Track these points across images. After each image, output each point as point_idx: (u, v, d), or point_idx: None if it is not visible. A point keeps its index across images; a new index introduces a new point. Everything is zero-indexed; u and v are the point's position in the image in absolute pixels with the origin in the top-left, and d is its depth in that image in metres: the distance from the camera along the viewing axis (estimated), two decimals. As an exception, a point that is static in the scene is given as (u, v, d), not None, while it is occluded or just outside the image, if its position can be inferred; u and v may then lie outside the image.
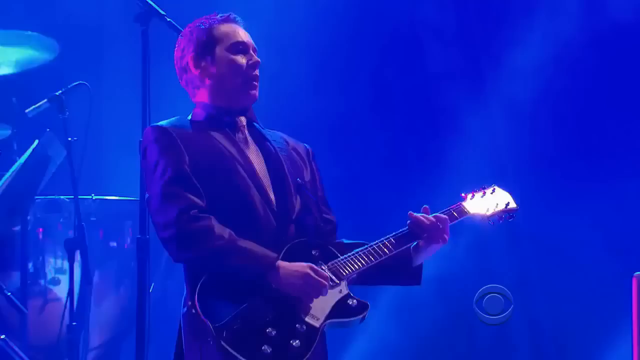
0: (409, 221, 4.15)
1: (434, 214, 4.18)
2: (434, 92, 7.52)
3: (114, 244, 6.29)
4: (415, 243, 4.17)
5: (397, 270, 4.18)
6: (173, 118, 4.16)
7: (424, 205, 4.21)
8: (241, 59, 4.14)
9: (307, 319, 3.90)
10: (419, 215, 4.16)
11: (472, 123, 7.39)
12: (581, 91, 7.29)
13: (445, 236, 4.15)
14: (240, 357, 3.79)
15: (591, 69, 7.30)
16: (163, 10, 4.71)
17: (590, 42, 7.29)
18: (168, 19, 4.68)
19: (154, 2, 4.70)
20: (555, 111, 7.33)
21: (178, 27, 4.60)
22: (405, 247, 4.13)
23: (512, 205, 4.34)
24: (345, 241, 4.22)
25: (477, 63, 7.48)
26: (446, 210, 4.22)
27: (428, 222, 4.14)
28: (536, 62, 7.33)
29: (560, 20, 7.32)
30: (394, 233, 4.14)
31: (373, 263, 4.05)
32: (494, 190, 4.35)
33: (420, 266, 4.22)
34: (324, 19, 7.42)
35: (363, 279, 4.14)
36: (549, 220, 7.27)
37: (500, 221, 4.33)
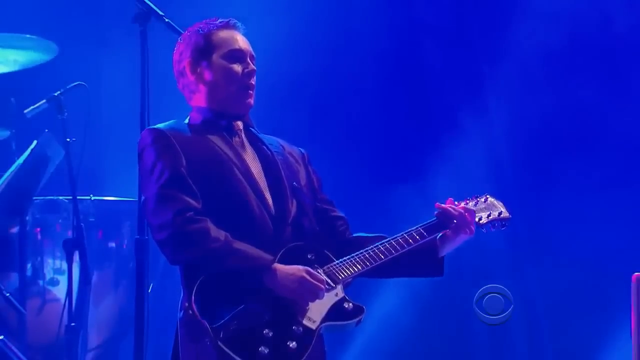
0: (436, 212, 4.21)
1: (461, 206, 4.25)
2: (432, 93, 7.52)
3: (113, 244, 6.28)
4: (440, 234, 4.22)
5: (421, 261, 4.22)
6: (170, 121, 4.17)
7: (449, 197, 4.28)
8: (237, 67, 4.14)
9: (303, 321, 3.92)
10: (446, 205, 4.22)
11: (471, 123, 7.39)
12: (581, 90, 7.28)
13: (472, 227, 4.21)
14: (238, 358, 3.79)
15: (591, 68, 7.29)
16: (161, 11, 4.70)
17: (591, 42, 7.28)
18: (166, 20, 4.68)
19: (152, 3, 4.70)
20: (554, 110, 7.33)
21: (176, 27, 4.60)
22: (432, 237, 4.18)
23: (505, 214, 4.37)
24: (364, 235, 4.26)
25: (475, 63, 7.48)
26: (430, 222, 4.24)
27: (456, 212, 4.19)
28: (535, 62, 7.33)
29: (560, 19, 7.31)
30: (422, 224, 4.19)
31: (369, 268, 4.08)
32: (486, 199, 4.38)
33: (443, 257, 4.26)
34: (321, 19, 7.42)
35: (385, 272, 4.18)
36: (548, 220, 7.27)
37: (493, 229, 4.36)
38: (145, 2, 4.68)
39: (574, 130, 7.30)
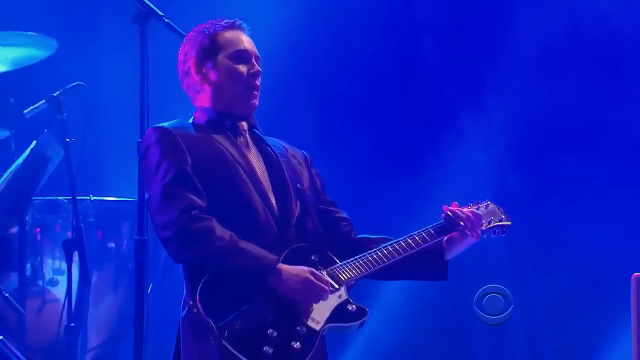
0: (444, 214, 4.22)
1: (468, 209, 4.27)
2: (433, 94, 7.51)
3: (112, 244, 6.28)
4: (445, 238, 4.23)
5: (425, 264, 4.23)
6: (174, 120, 4.16)
7: (453, 202, 4.29)
8: (242, 68, 4.14)
9: (307, 322, 3.92)
10: (454, 208, 4.24)
11: (471, 124, 7.39)
12: (580, 89, 7.28)
13: (479, 231, 4.23)
14: (242, 357, 3.79)
15: (592, 70, 7.29)
16: (161, 11, 4.70)
17: (593, 43, 7.28)
18: (166, 20, 4.67)
19: (152, 3, 4.69)
20: (553, 110, 7.33)
21: (176, 27, 4.59)
22: (437, 240, 4.19)
23: (506, 221, 4.40)
24: (368, 236, 4.27)
25: (475, 63, 7.48)
26: (436, 225, 4.25)
27: (464, 215, 4.21)
28: (535, 63, 7.33)
29: (561, 19, 7.31)
30: (427, 227, 4.20)
31: (373, 270, 4.08)
32: (487, 205, 4.39)
33: (447, 261, 4.27)
34: (321, 20, 7.42)
35: (388, 275, 4.19)
36: (548, 220, 7.27)
37: (494, 236, 4.38)
38: (145, 2, 4.67)
39: (574, 131, 7.30)
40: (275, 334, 3.85)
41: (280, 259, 3.95)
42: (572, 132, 7.30)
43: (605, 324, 6.91)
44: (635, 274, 4.51)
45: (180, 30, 4.46)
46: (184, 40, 4.25)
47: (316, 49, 7.44)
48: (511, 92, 7.33)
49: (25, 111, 5.80)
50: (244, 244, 3.90)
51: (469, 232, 4.20)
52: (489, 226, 4.33)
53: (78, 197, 5.74)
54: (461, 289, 6.61)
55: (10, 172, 5.89)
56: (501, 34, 7.38)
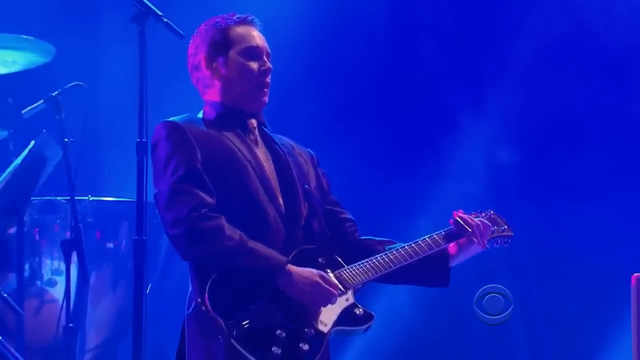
0: (452, 219, 4.22)
1: (477, 218, 4.26)
2: (433, 93, 7.51)
3: (111, 245, 6.27)
4: (451, 244, 4.23)
5: (430, 270, 4.23)
6: (184, 115, 4.13)
7: (459, 209, 4.28)
8: (253, 65, 4.13)
9: (315, 324, 3.91)
10: (464, 214, 4.23)
11: (471, 124, 7.38)
12: (582, 89, 7.27)
13: (485, 240, 4.22)
14: (250, 357, 3.79)
15: (592, 69, 7.28)
16: (160, 11, 4.68)
17: (595, 43, 7.28)
18: (165, 20, 4.65)
19: (150, 3, 4.68)
20: (553, 110, 7.32)
21: (175, 27, 4.57)
22: (443, 247, 4.18)
23: (508, 232, 4.40)
24: (372, 238, 4.27)
25: (475, 63, 7.47)
26: (443, 232, 4.24)
27: (474, 223, 4.20)
28: (536, 61, 7.32)
29: (563, 18, 7.31)
30: (437, 232, 4.19)
31: (380, 275, 4.07)
32: (490, 215, 4.39)
33: (450, 268, 4.26)
34: (321, 20, 7.41)
35: (393, 279, 4.19)
36: (548, 220, 7.26)
37: (496, 245, 4.38)
38: (143, 2, 4.66)
39: (574, 131, 7.30)
40: (283, 334, 3.85)
41: (289, 260, 3.94)
42: (573, 131, 7.30)
43: (605, 324, 6.90)
44: (636, 274, 4.50)
45: (179, 30, 4.44)
46: (195, 34, 4.23)
47: (316, 49, 7.43)
48: (512, 92, 7.33)
49: (23, 111, 5.79)
50: (253, 244, 3.89)
51: (476, 240, 4.19)
52: (492, 236, 4.32)
53: (76, 198, 5.74)
54: (461, 289, 6.60)
55: (9, 173, 5.88)
56: (502, 33, 7.38)
